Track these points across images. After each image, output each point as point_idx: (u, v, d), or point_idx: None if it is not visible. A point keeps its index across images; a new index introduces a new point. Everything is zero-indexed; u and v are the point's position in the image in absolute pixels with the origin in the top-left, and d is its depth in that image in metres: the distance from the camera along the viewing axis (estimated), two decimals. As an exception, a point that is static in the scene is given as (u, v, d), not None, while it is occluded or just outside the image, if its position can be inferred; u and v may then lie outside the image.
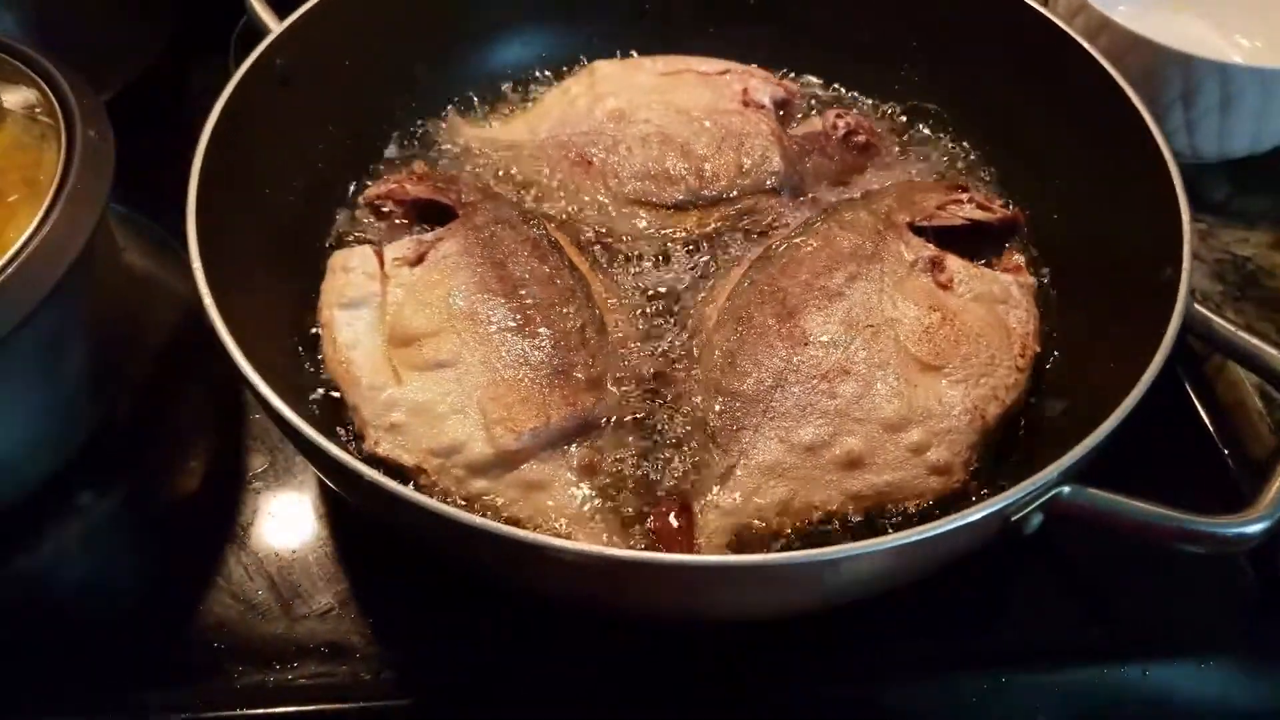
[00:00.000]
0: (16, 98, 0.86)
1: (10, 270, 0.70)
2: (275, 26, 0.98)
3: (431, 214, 1.03)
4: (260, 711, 0.78)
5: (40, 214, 0.74)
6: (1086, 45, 1.02)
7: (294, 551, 0.88)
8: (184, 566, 0.87)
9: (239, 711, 0.78)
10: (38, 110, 0.83)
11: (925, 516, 0.84)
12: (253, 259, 0.91)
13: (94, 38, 1.16)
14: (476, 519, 0.65)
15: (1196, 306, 0.84)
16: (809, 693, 0.83)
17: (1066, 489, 0.70)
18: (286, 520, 0.91)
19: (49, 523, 0.87)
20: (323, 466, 0.76)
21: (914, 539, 0.65)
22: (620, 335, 0.96)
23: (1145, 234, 0.90)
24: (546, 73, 1.23)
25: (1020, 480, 0.69)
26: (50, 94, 0.84)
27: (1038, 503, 0.70)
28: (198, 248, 0.79)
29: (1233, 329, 0.83)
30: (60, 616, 0.85)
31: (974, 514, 0.67)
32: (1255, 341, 0.81)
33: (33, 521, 0.87)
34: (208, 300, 0.76)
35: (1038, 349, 0.93)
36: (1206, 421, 0.99)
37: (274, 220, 0.97)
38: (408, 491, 0.67)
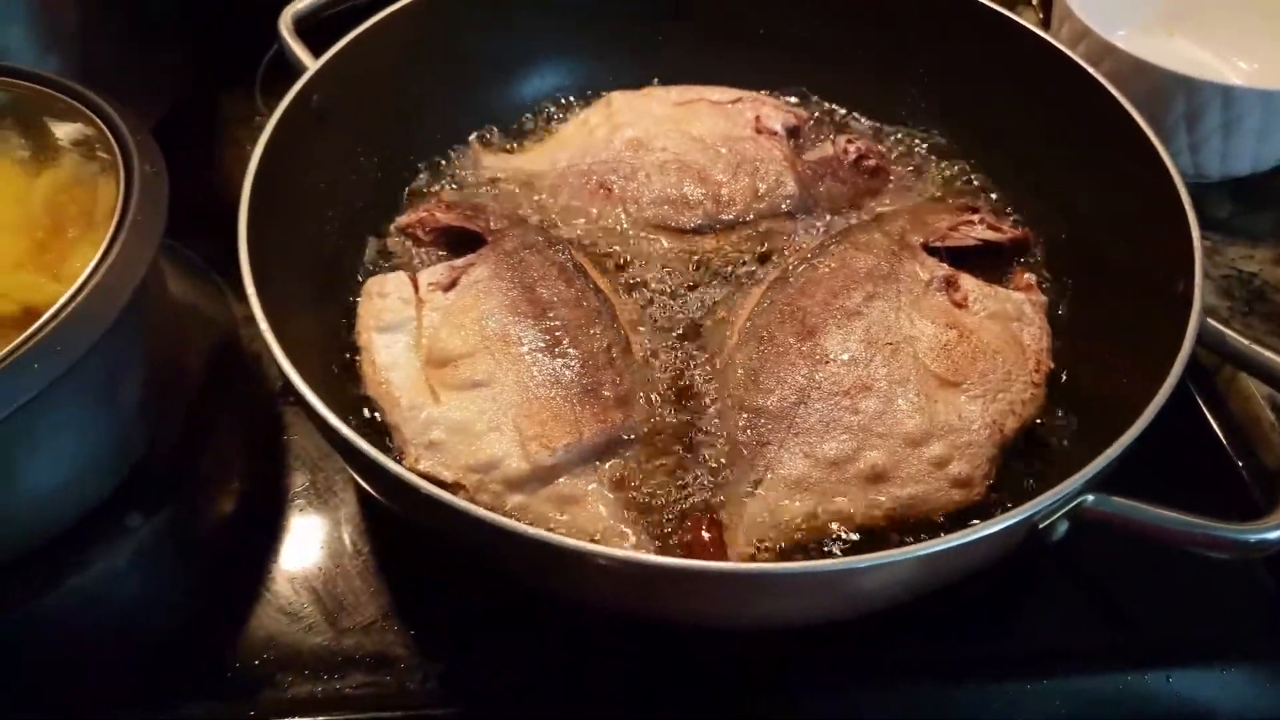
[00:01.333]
0: (71, 133, 0.89)
1: (77, 303, 0.74)
2: (311, 64, 1.02)
3: (460, 240, 1.06)
4: (311, 720, 0.80)
5: (103, 247, 0.78)
6: (1091, 70, 1.05)
7: (337, 566, 0.91)
8: (231, 583, 0.90)
9: (290, 720, 0.80)
10: (96, 148, 0.86)
11: (946, 528, 0.86)
12: (292, 287, 0.94)
13: (132, 73, 1.20)
14: (524, 526, 0.68)
15: (1209, 320, 0.86)
16: (830, 697, 0.85)
17: (1091, 497, 0.73)
18: (328, 536, 0.93)
19: (100, 545, 0.90)
20: (373, 478, 0.79)
21: (944, 547, 0.68)
22: (644, 355, 0.99)
23: (1154, 251, 0.93)
24: (565, 103, 1.27)
25: (1038, 491, 0.72)
26: (106, 130, 0.87)
27: (1063, 510, 0.72)
28: (251, 277, 0.81)
29: (1246, 342, 0.85)
30: (112, 633, 0.87)
31: (1002, 522, 0.69)
32: (1269, 354, 0.84)
33: (84, 543, 0.90)
34: (264, 326, 0.79)
35: (1051, 365, 0.96)
36: (1219, 433, 1.02)
37: (311, 249, 1.00)
38: (459, 501, 0.69)
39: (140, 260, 0.79)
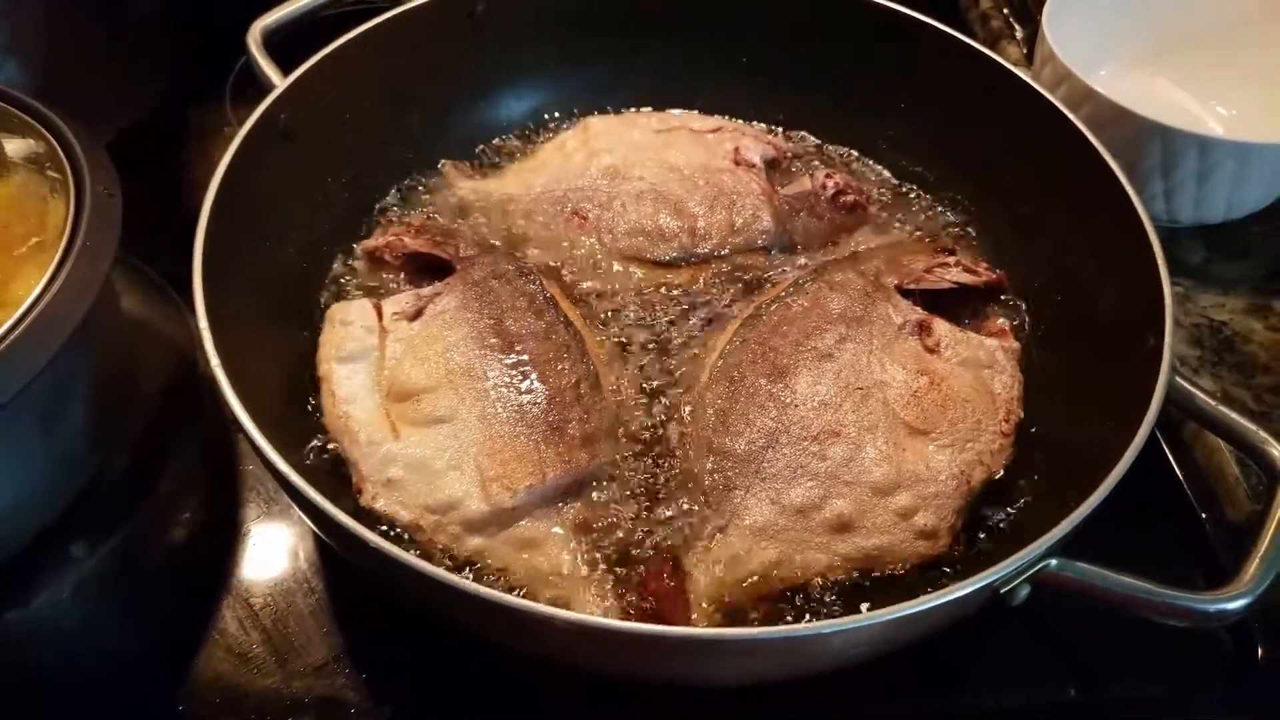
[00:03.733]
0: (21, 149, 0.87)
1: (19, 331, 0.71)
2: (279, 82, 1.00)
3: (429, 267, 1.04)
4: (253, 768, 0.78)
5: (50, 272, 0.75)
6: (1069, 114, 1.05)
7: (289, 605, 0.88)
8: (178, 619, 0.88)
9: (232, 768, 0.78)
10: (46, 165, 0.83)
11: (910, 580, 0.86)
12: (253, 310, 0.92)
13: (94, 84, 1.17)
14: (471, 585, 0.66)
15: (1178, 380, 0.86)
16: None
17: (1054, 562, 0.72)
18: (281, 572, 0.91)
19: (42, 575, 0.87)
20: (319, 524, 0.77)
21: (906, 613, 0.67)
22: (614, 391, 0.97)
23: (1127, 303, 0.93)
24: (542, 125, 1.25)
25: (1004, 547, 0.72)
26: (58, 147, 0.85)
27: (1025, 575, 0.72)
28: (203, 303, 0.79)
29: (1213, 403, 0.85)
30: (52, 669, 0.84)
31: (965, 588, 0.69)
32: (1234, 415, 0.84)
33: (25, 573, 0.87)
34: (213, 356, 0.77)
35: (1021, 415, 0.96)
36: (1185, 485, 1.01)
37: (274, 271, 0.98)
38: (406, 556, 0.68)
39: (89, 285, 0.76)
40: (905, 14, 1.17)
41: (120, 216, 0.83)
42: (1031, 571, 0.72)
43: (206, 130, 1.32)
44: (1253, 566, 0.72)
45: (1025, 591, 0.73)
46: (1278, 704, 0.87)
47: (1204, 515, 1.00)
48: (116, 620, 0.88)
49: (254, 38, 1.05)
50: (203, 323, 0.79)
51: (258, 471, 0.97)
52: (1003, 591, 0.71)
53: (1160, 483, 1.03)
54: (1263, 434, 0.81)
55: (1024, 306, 1.08)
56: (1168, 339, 0.85)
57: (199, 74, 1.36)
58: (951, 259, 1.07)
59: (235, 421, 0.75)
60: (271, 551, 0.93)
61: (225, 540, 0.93)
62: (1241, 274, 1.19)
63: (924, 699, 0.88)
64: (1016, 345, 1.02)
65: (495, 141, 1.22)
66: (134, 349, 1.02)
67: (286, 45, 1.07)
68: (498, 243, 1.10)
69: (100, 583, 0.89)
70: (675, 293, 1.07)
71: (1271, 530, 0.74)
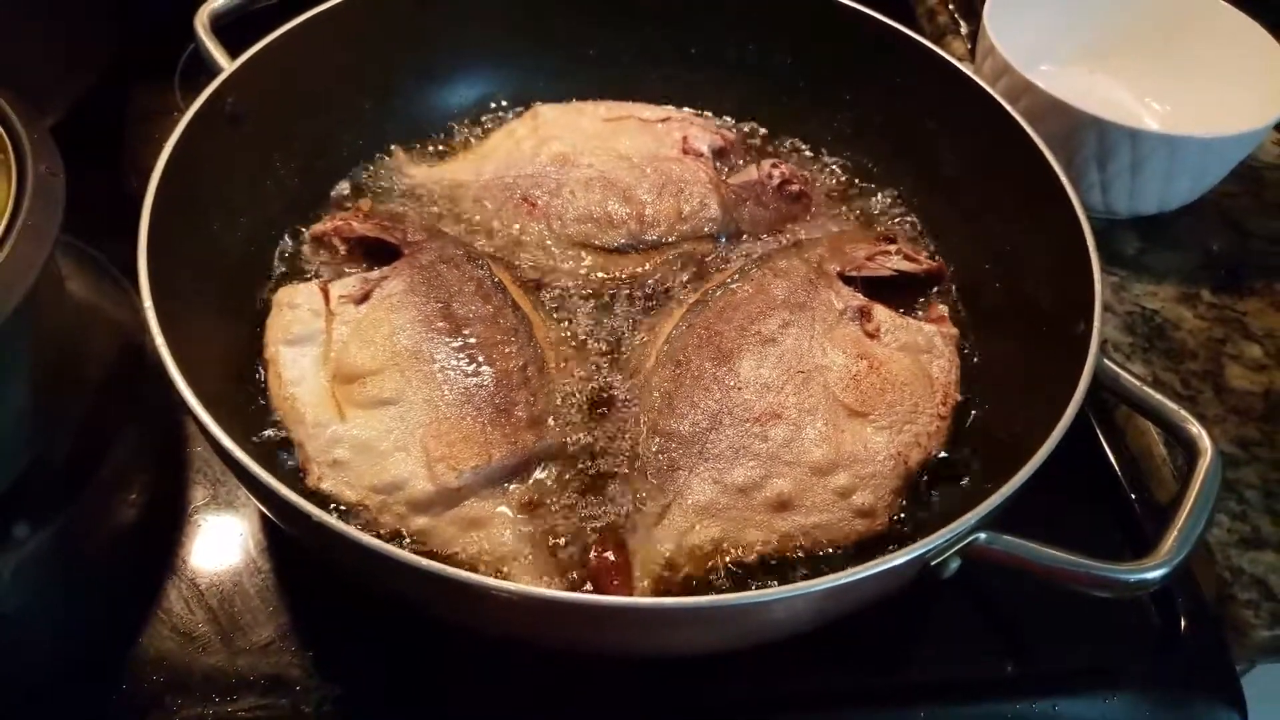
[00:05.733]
0: (-41, 128, 0.86)
1: (-45, 311, 0.71)
2: (227, 66, 0.99)
3: (377, 252, 1.05)
4: (198, 745, 0.79)
5: (-10, 251, 0.75)
6: (1008, 107, 1.08)
7: (235, 584, 0.88)
8: (122, 599, 0.87)
9: (176, 746, 0.78)
10: (-13, 144, 0.83)
11: (850, 557, 0.88)
12: (199, 293, 0.92)
13: (33, 60, 1.16)
14: (414, 558, 0.67)
15: (1107, 362, 0.89)
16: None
17: (983, 535, 0.74)
18: (228, 553, 0.91)
19: (-20, 556, 0.87)
20: (265, 501, 0.78)
21: (839, 583, 0.69)
22: (561, 374, 0.98)
23: (1061, 288, 0.95)
24: (493, 113, 1.26)
25: (940, 525, 0.74)
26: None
27: (955, 549, 0.74)
28: (149, 284, 0.79)
29: (1138, 385, 0.88)
30: (-9, 651, 0.84)
31: (896, 560, 0.70)
32: (1158, 397, 0.87)
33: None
34: (158, 337, 0.77)
35: (959, 398, 0.98)
36: (1116, 467, 1.05)
37: (221, 255, 0.98)
38: (348, 529, 0.68)
39: (30, 267, 0.76)
40: (852, 8, 1.19)
41: (64, 196, 0.82)
42: (961, 545, 0.74)
43: (154, 117, 1.31)
44: (1171, 538, 0.75)
45: (956, 564, 0.75)
46: (1200, 671, 0.91)
47: (1134, 497, 1.03)
48: (60, 600, 0.88)
49: (202, 21, 1.04)
50: (147, 302, 0.79)
51: (205, 454, 0.97)
52: (933, 564, 0.74)
53: (1094, 466, 1.06)
54: (1183, 413, 0.84)
55: (963, 294, 1.10)
56: (1096, 323, 0.87)
57: (147, 60, 1.35)
58: (892, 247, 1.10)
59: (181, 402, 0.75)
60: (218, 533, 0.92)
61: (171, 522, 0.92)
62: (1174, 264, 1.23)
63: (871, 675, 0.90)
64: (955, 331, 1.04)
65: (446, 128, 1.23)
66: (80, 333, 1.01)
67: (235, 31, 1.07)
68: (446, 228, 1.11)
69: (42, 564, 0.89)
70: (623, 278, 1.09)
71: (1189, 504, 0.77)
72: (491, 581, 0.66)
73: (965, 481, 0.94)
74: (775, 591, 0.68)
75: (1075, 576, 0.75)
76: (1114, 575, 0.74)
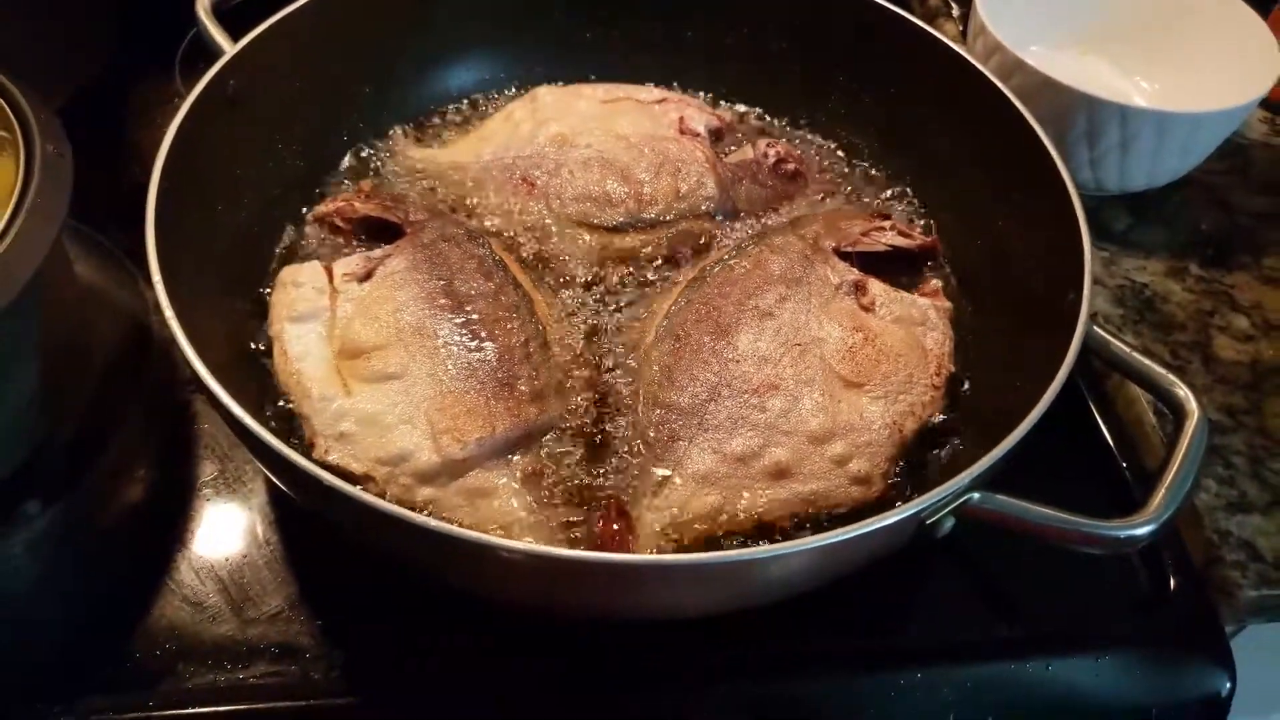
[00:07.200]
0: (-35, 109, 0.87)
1: (-34, 288, 0.72)
2: (228, 48, 1.01)
3: (379, 231, 1.07)
4: (210, 710, 0.80)
5: (-2, 230, 0.76)
6: (1000, 84, 1.09)
7: (244, 556, 0.90)
8: (133, 572, 0.89)
9: (189, 710, 0.79)
10: (-7, 125, 0.84)
11: (847, 523, 0.89)
12: (204, 274, 0.93)
13: (35, 49, 1.17)
14: (428, 520, 0.68)
15: (1096, 329, 0.91)
16: (723, 691, 0.87)
17: (977, 495, 0.76)
18: (236, 526, 0.92)
19: (-8, 533, 0.88)
20: (276, 469, 0.79)
21: (837, 539, 0.70)
22: (562, 350, 1.00)
23: (1053, 262, 0.97)
24: (492, 96, 1.27)
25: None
26: (5, 105, 0.85)
27: (950, 507, 0.75)
28: (158, 264, 0.81)
29: (1127, 350, 0.90)
30: (6, 625, 0.85)
31: (892, 517, 0.72)
32: (1147, 362, 0.89)
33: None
34: (168, 310, 0.78)
35: (952, 368, 1.00)
36: (1106, 434, 1.07)
37: (225, 236, 0.99)
38: (359, 492, 0.69)
39: (39, 245, 0.77)
40: (846, -10, 1.20)
41: (71, 177, 0.83)
42: (955, 504, 0.76)
43: (156, 101, 1.33)
44: (1159, 496, 0.77)
45: (950, 524, 0.77)
46: (1189, 632, 0.93)
47: (1124, 464, 1.05)
48: (70, 576, 0.89)
49: (203, 6, 1.06)
50: (157, 278, 0.80)
51: (212, 431, 0.99)
52: (929, 522, 0.75)
53: (1085, 435, 1.08)
54: (1171, 377, 0.86)
55: (956, 269, 1.12)
56: (1086, 290, 0.89)
57: (148, 47, 1.36)
58: (887, 223, 1.11)
59: (192, 377, 0.77)
60: (226, 508, 0.94)
61: (179, 498, 0.94)
62: (1162, 239, 1.25)
63: (869, 639, 0.91)
64: (948, 304, 1.06)
65: (445, 110, 1.25)
66: (87, 314, 1.02)
67: (237, 16, 1.08)
68: (447, 209, 1.12)
69: (53, 540, 0.90)
70: (622, 256, 1.10)
71: (1177, 463, 0.79)
72: (503, 542, 0.68)
73: (960, 448, 0.96)
74: (777, 548, 0.70)
75: (1066, 534, 0.77)
76: (1104, 532, 0.76)
